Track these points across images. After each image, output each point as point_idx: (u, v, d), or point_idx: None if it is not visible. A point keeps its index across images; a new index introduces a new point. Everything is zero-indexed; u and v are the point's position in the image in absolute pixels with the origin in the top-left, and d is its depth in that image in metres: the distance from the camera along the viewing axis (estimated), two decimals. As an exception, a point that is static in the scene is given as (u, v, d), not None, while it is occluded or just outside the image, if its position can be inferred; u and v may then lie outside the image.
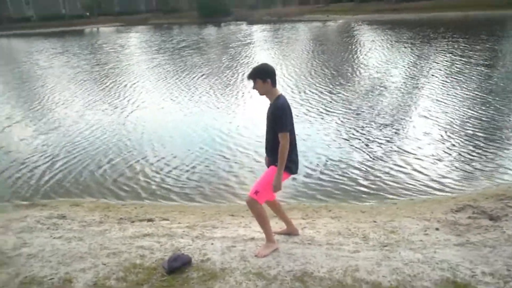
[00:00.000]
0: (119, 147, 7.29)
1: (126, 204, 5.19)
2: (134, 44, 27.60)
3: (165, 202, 5.25)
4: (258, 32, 31.88)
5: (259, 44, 23.86)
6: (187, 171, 6.12)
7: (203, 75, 14.17)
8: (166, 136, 7.85)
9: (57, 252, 3.37)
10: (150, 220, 4.36)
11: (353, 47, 19.74)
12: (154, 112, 9.71)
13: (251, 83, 3.11)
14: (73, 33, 42.50)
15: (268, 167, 3.23)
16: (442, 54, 15.34)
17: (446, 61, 13.87)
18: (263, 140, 3.27)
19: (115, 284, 2.82)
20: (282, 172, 3.01)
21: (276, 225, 3.71)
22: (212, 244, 3.41)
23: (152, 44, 26.54)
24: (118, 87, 12.91)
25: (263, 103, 3.25)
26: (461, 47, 16.74)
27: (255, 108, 9.51)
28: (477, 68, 12.37)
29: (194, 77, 13.82)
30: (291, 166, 3.11)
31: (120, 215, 4.63)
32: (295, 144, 3.15)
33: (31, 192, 5.70)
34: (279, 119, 2.98)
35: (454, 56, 14.66)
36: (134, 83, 13.31)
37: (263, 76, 3.04)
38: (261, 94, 3.12)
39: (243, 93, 11.06)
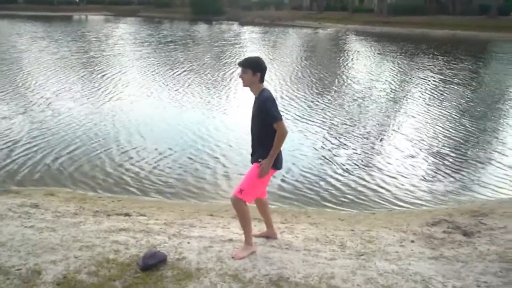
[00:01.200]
0: (100, 138, 7.17)
1: (103, 197, 5.09)
2: (119, 35, 27.22)
3: (144, 197, 5.17)
4: (247, 33, 31.94)
5: (246, 45, 23.93)
6: (167, 166, 6.06)
7: (184, 71, 14.10)
8: (146, 129, 7.77)
9: (27, 242, 3.26)
10: (127, 214, 4.29)
11: (337, 56, 20.01)
12: (135, 105, 9.61)
13: (239, 70, 3.08)
14: (61, 19, 41.61)
15: (252, 163, 3.21)
16: (422, 70, 15.70)
17: (425, 77, 14.18)
18: (247, 137, 3.23)
19: (86, 278, 2.74)
20: (274, 158, 2.99)
21: (255, 227, 3.70)
22: (188, 243, 3.37)
23: (138, 37, 26.31)
24: (104, 76, 12.71)
25: (243, 101, 3.24)
26: (440, 64, 17.16)
27: (236, 105, 9.58)
28: (454, 86, 12.70)
29: (175, 73, 13.77)
30: (276, 162, 3.08)
31: (96, 207, 4.53)
32: None
33: (4, 178, 5.53)
34: (269, 111, 2.94)
35: (433, 73, 15.02)
36: (115, 74, 13.16)
37: (254, 68, 3.02)
38: (245, 84, 3.09)
39: (223, 90, 11.11)
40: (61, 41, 22.10)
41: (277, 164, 3.12)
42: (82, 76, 12.86)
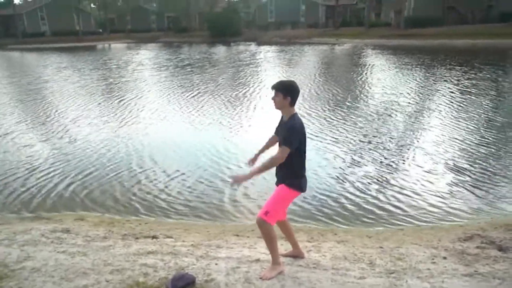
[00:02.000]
0: (123, 162, 7.34)
1: (131, 220, 5.19)
2: (138, 61, 28.06)
3: (170, 219, 5.24)
4: (263, 53, 32.36)
5: (261, 64, 24.21)
6: (191, 188, 6.13)
7: (199, 93, 14.40)
8: (169, 151, 7.92)
9: (60, 267, 3.36)
10: (154, 237, 4.35)
11: (353, 71, 19.94)
12: (154, 128, 9.83)
13: (272, 93, 3.13)
14: (85, 49, 43.42)
15: (276, 185, 3.24)
16: (439, 81, 15.45)
17: (443, 89, 13.93)
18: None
19: (118, 301, 2.79)
20: (253, 175, 3.00)
21: (281, 247, 3.69)
22: (216, 264, 3.38)
23: (156, 62, 27.07)
24: (120, 102, 13.13)
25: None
26: (458, 75, 16.85)
27: (255, 126, 9.62)
28: (473, 97, 12.39)
29: (189, 95, 14.05)
30: (301, 183, 3.15)
31: (124, 231, 4.62)
32: (304, 162, 3.17)
33: (36, 205, 5.72)
34: (288, 136, 3.01)
35: (451, 84, 14.75)
36: (132, 99, 13.60)
37: (285, 92, 3.07)
38: (277, 107, 3.14)
39: (242, 111, 11.21)
40: (83, 70, 22.99)
41: (302, 186, 3.18)
42: (100, 103, 13.28)
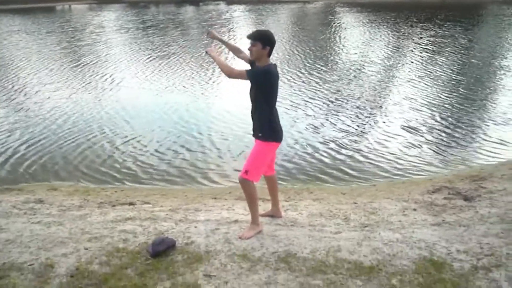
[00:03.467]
0: (93, 128, 7.14)
1: (106, 188, 5.12)
2: (97, 23, 26.41)
3: (146, 185, 5.21)
4: (232, 12, 31.32)
5: (229, 25, 23.52)
6: (166, 153, 6.08)
7: (158, 56, 13.94)
8: (136, 117, 7.74)
9: (36, 237, 3.30)
10: (131, 203, 4.32)
11: (324, 31, 19.59)
12: (120, 93, 9.54)
13: (249, 43, 3.02)
14: (43, 10, 40.65)
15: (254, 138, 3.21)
16: (410, 38, 15.57)
17: (414, 45, 14.08)
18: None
19: (98, 268, 2.80)
20: (216, 60, 3.11)
21: (259, 207, 3.75)
22: (195, 227, 3.42)
23: (117, 24, 25.56)
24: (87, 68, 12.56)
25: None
26: (429, 31, 17.01)
27: (225, 88, 9.51)
28: (444, 53, 12.62)
29: (148, 59, 13.59)
30: (275, 134, 3.11)
31: (100, 199, 4.56)
32: (276, 113, 3.14)
33: (5, 176, 5.53)
34: (257, 72, 3.02)
35: (422, 40, 14.90)
36: (87, 64, 13.01)
37: (265, 42, 2.98)
38: (254, 57, 3.05)
39: (211, 74, 11.01)
40: (36, 33, 21.25)
41: (276, 136, 3.13)
42: (52, 69, 12.58)
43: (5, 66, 13.27)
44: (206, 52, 3.21)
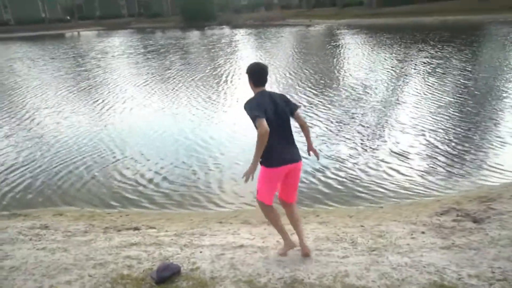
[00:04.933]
0: (99, 154, 7.18)
1: (112, 213, 5.11)
2: (100, 49, 27.04)
3: (151, 210, 5.19)
4: (236, 36, 31.99)
5: (235, 48, 23.94)
6: (171, 177, 6.07)
7: (168, 77, 14.22)
8: (140, 141, 7.80)
9: (40, 264, 3.28)
10: (136, 228, 4.30)
11: (329, 52, 19.91)
12: (128, 117, 9.64)
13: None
14: (53, 37, 41.74)
15: None
16: (424, 58, 15.69)
17: (429, 65, 14.18)
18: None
19: (103, 296, 2.76)
20: (255, 161, 2.91)
21: (265, 230, 3.70)
22: (201, 252, 3.38)
23: (120, 49, 26.16)
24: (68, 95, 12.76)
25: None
26: (431, 51, 17.14)
27: (229, 112, 9.58)
28: (449, 72, 12.68)
29: (145, 83, 13.80)
30: (268, 160, 3.00)
31: (106, 223, 4.55)
32: (274, 138, 2.94)
33: (12, 202, 5.55)
34: (248, 113, 2.94)
35: (436, 60, 15.01)
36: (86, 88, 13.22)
37: (247, 75, 3.14)
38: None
39: (214, 97, 11.13)
40: (39, 60, 21.87)
41: (270, 163, 3.00)
42: (67, 94, 12.84)
43: (3, 93, 13.52)
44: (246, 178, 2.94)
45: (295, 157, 3.12)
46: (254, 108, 2.92)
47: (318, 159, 3.52)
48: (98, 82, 14.50)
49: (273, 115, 2.98)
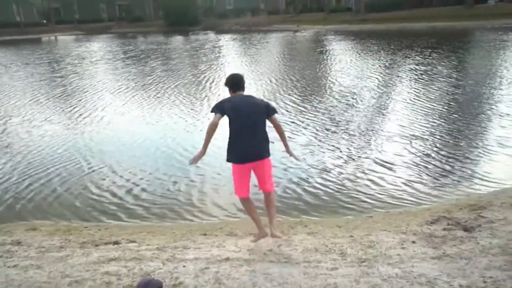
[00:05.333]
0: (74, 164, 7.06)
1: (89, 226, 5.00)
2: (76, 54, 26.79)
3: (132, 223, 5.10)
4: (221, 41, 32.15)
5: (218, 54, 24.04)
6: (152, 188, 5.99)
7: (144, 85, 14.12)
8: (117, 151, 7.70)
9: (11, 283, 3.19)
10: (116, 242, 4.22)
11: (316, 58, 20.19)
12: (105, 126, 9.53)
13: None
14: (28, 42, 41.17)
15: None
16: (409, 65, 16.01)
17: (414, 72, 14.46)
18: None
19: (79, 315, 2.69)
20: (203, 148, 3.65)
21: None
22: (184, 266, 3.34)
23: (97, 55, 25.99)
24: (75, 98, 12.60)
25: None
26: (419, 57, 17.55)
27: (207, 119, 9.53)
28: (444, 79, 12.95)
29: (120, 90, 13.75)
30: (231, 155, 3.66)
31: (83, 238, 4.45)
32: (238, 137, 3.58)
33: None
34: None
35: (421, 67, 15.32)
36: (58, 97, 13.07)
37: (226, 86, 3.78)
38: None
39: (192, 106, 11.13)
40: (11, 66, 21.57)
41: (231, 158, 3.65)
42: (37, 100, 12.67)
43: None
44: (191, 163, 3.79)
45: (259, 154, 3.63)
46: (215, 105, 3.62)
47: (298, 160, 4.39)
48: (73, 89, 14.34)
49: (244, 115, 3.52)
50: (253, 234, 3.92)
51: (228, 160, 3.67)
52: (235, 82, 3.71)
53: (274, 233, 3.69)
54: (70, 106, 11.64)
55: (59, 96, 13.32)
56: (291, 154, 3.96)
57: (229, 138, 3.61)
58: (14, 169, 6.92)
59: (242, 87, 3.72)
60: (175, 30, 48.23)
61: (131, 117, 10.15)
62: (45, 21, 62.51)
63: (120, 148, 7.83)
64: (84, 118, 10.26)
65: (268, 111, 3.65)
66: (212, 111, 3.60)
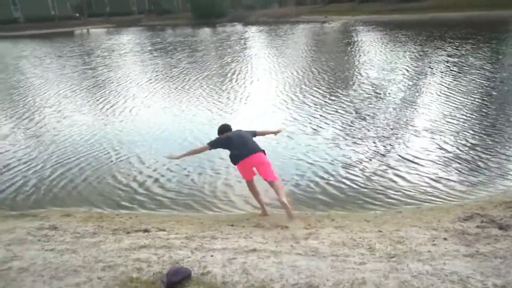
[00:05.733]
0: (103, 152, 7.28)
1: (120, 214, 5.16)
2: (106, 47, 27.30)
3: (161, 212, 5.22)
4: (247, 33, 32.04)
5: (239, 46, 23.95)
6: (181, 178, 6.11)
7: (169, 76, 14.27)
8: (151, 141, 7.86)
9: (49, 265, 3.33)
10: (146, 230, 4.33)
11: (345, 50, 19.70)
12: (133, 117, 9.72)
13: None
14: (62, 35, 42.42)
15: None
16: (440, 56, 15.47)
17: (445, 64, 13.97)
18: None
19: (112, 299, 2.79)
20: (181, 156, 4.85)
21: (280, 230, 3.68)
22: (212, 256, 3.38)
23: (126, 47, 26.40)
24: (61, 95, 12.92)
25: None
26: (456, 48, 16.90)
27: (241, 111, 9.56)
28: (477, 71, 12.44)
29: (149, 80, 13.88)
30: (234, 162, 4.71)
31: (115, 225, 4.59)
32: (236, 155, 4.62)
33: (20, 202, 5.66)
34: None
35: (452, 59, 14.78)
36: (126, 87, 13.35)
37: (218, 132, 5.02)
38: None
39: (227, 97, 11.14)
40: (44, 58, 22.24)
41: (234, 163, 4.70)
42: (58, 93, 13.03)
43: (4, 91, 13.77)
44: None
45: (253, 151, 4.58)
46: (212, 142, 4.80)
47: (279, 131, 5.35)
48: (103, 81, 14.70)
49: (236, 139, 4.66)
50: (261, 211, 4.82)
51: (236, 163, 4.65)
52: (225, 130, 4.94)
53: (287, 205, 4.30)
54: (100, 97, 11.96)
55: (89, 87, 13.70)
56: (275, 132, 5.31)
57: (230, 155, 4.70)
58: (48, 158, 7.20)
59: (229, 131, 4.94)
60: (203, 22, 48.47)
61: (157, 109, 10.32)
62: (77, 15, 64.17)
63: (147, 138, 7.99)
64: (113, 109, 10.52)
65: (253, 133, 4.91)
66: (208, 143, 4.79)
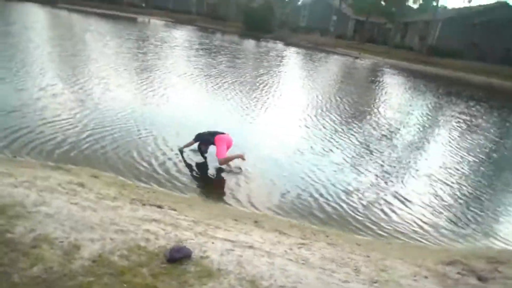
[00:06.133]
0: (140, 130, 7.33)
1: (140, 186, 5.21)
2: (159, 37, 27.54)
3: (177, 193, 5.25)
4: (287, 52, 32.02)
5: (275, 62, 23.92)
6: (200, 168, 6.14)
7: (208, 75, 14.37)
8: (183, 125, 7.90)
9: (71, 217, 3.39)
10: (159, 206, 4.37)
11: (370, 87, 19.50)
12: (158, 100, 9.76)
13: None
14: (126, 20, 43.41)
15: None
16: (452, 112, 15.12)
17: (455, 119, 13.65)
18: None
19: (118, 260, 2.81)
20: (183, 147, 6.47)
21: (276, 238, 3.65)
22: (213, 243, 3.38)
23: (179, 42, 26.59)
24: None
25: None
26: (473, 110, 16.45)
27: (268, 111, 9.53)
28: (484, 133, 12.09)
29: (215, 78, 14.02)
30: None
31: (134, 195, 4.65)
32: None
33: (57, 155, 5.78)
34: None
35: (463, 116, 14.42)
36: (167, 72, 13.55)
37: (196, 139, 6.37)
38: None
39: (253, 95, 11.14)
40: (105, 36, 22.69)
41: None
42: (117, 69, 13.27)
43: (66, 57, 14.10)
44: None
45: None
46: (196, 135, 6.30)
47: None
48: (149, 66, 14.85)
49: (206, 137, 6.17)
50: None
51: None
52: (197, 139, 6.31)
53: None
54: (144, 80, 12.07)
55: (137, 69, 13.86)
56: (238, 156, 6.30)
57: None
58: (88, 122, 7.27)
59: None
60: (250, 34, 48.79)
61: (190, 101, 10.32)
62: (143, 5, 65.63)
63: (175, 125, 7.96)
64: (153, 92, 10.60)
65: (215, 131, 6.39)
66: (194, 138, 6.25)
